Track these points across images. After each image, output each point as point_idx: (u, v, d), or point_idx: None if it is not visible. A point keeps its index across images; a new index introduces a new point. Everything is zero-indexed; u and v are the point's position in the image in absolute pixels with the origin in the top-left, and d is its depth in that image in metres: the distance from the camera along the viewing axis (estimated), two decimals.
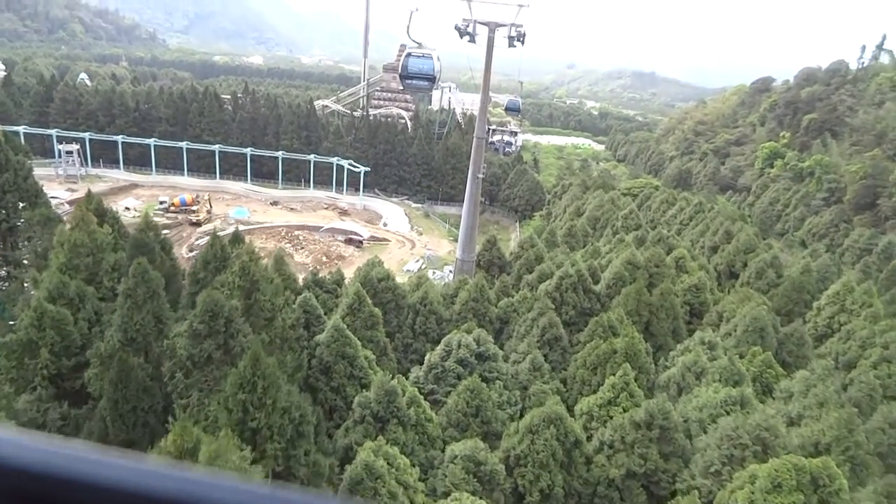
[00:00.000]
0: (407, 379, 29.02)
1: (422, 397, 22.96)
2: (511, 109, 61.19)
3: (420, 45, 36.29)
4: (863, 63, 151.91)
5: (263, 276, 19.72)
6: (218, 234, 26.06)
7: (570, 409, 26.40)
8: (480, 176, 42.51)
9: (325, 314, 37.07)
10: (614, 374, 24.74)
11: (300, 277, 39.86)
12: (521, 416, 26.25)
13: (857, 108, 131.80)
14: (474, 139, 42.64)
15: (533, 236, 47.41)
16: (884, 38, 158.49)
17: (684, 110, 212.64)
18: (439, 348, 26.64)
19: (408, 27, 36.66)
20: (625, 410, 22.53)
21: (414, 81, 38.92)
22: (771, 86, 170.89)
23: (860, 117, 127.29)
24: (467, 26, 38.21)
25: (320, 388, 25.48)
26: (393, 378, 23.23)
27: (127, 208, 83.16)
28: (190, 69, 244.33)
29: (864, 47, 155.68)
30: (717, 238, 56.82)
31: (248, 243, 21.17)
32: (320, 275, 38.50)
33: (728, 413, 21.53)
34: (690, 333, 34.65)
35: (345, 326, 25.96)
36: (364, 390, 24.82)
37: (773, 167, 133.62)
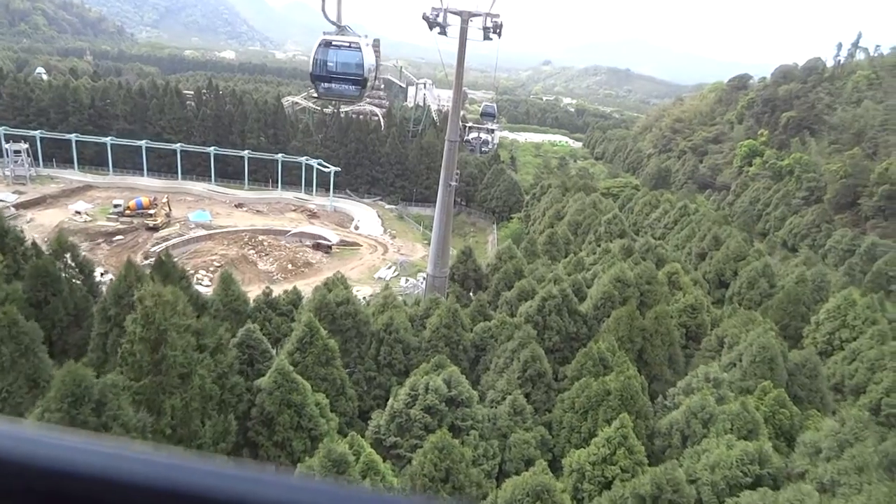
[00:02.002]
0: (367, 425, 25.10)
1: (381, 459, 19.09)
2: (487, 115, 57.49)
3: (343, 30, 22.74)
4: (839, 61, 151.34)
5: (174, 324, 15.64)
6: (133, 260, 21.88)
7: (556, 461, 22.73)
8: (453, 184, 38.48)
9: (279, 341, 32.90)
10: (608, 422, 21.15)
11: (252, 297, 35.57)
12: (500, 470, 22.51)
13: (836, 106, 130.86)
14: (446, 142, 38.49)
15: (511, 246, 43.70)
16: (859, 35, 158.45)
17: (661, 107, 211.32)
18: (403, 392, 22.71)
19: (322, 2, 22.36)
20: (623, 470, 18.97)
21: (334, 85, 23.69)
22: (748, 83, 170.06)
23: (838, 115, 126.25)
24: (437, 16, 33.91)
25: (261, 443, 21.45)
26: (346, 437, 19.27)
27: (77, 212, 77.82)
28: (158, 64, 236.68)
29: (840, 45, 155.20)
30: (704, 244, 53.73)
31: (154, 283, 16.87)
32: (274, 294, 34.27)
33: (745, 474, 18.09)
34: (687, 359, 31.22)
35: (291, 368, 21.93)
36: (314, 445, 20.85)
37: (751, 165, 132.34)
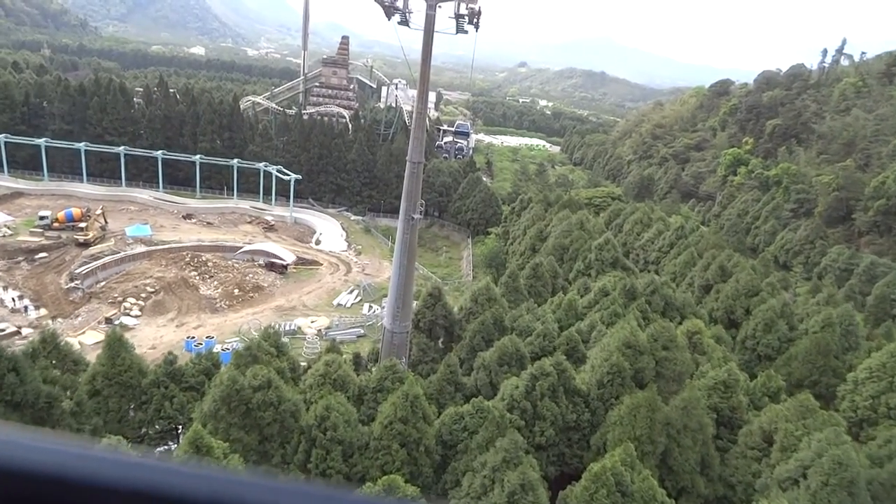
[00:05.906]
0: None
1: None
2: (461, 133, 50.31)
3: None
4: (824, 67, 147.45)
5: None
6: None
7: None
8: (417, 216, 30.69)
9: (183, 428, 25.09)
10: None
11: (153, 364, 27.45)
12: None
13: (824, 115, 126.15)
14: (408, 164, 30.68)
15: (490, 286, 36.11)
16: (843, 42, 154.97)
17: (641, 112, 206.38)
18: None
19: None
20: None
21: None
22: (729, 89, 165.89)
23: (827, 124, 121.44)
24: (395, 0, 26.04)
25: None
26: None
27: None
28: (120, 59, 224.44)
29: (825, 51, 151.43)
30: (709, 275, 46.89)
31: None
32: (180, 362, 26.27)
33: None
34: (721, 456, 24.02)
35: None
36: None
37: (736, 175, 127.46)
